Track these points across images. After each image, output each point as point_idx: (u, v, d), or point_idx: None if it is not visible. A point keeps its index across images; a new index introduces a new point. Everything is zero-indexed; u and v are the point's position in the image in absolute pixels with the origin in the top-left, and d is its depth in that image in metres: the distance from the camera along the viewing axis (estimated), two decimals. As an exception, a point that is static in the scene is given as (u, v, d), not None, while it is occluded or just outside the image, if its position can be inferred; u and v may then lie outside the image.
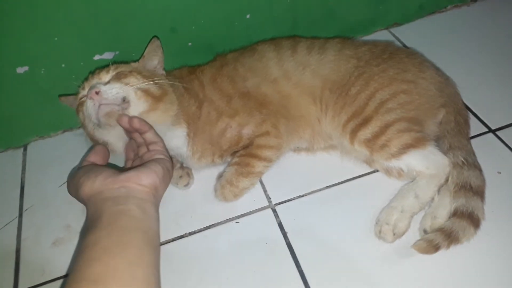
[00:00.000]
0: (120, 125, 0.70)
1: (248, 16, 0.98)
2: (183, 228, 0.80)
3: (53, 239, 0.82)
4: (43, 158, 0.99)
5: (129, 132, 0.72)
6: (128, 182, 0.60)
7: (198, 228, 0.80)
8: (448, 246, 0.67)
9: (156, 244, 0.57)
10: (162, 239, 0.78)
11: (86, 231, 0.56)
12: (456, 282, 0.66)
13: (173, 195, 0.86)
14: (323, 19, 1.05)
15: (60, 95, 0.86)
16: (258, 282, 0.70)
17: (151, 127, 0.71)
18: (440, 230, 0.68)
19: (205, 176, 0.87)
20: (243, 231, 0.78)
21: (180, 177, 0.86)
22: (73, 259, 0.60)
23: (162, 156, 0.68)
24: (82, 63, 0.91)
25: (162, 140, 0.71)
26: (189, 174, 0.87)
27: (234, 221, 0.80)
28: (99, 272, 0.49)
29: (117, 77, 0.73)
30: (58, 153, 0.99)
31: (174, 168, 0.86)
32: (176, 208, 0.84)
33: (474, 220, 0.68)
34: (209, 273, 0.73)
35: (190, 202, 0.85)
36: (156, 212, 0.61)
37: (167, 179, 0.66)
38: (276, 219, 0.79)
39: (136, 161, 0.73)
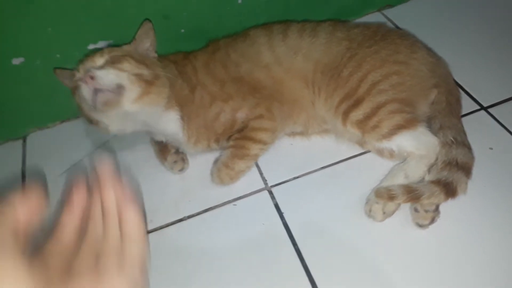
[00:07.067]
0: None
1: (239, 1, 0.98)
2: (182, 212, 0.82)
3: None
4: (43, 149, 1.00)
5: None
6: None
7: (197, 211, 0.82)
8: (405, 201, 0.68)
9: None
10: (162, 223, 0.81)
11: None
12: (451, 257, 0.68)
13: (171, 181, 0.87)
14: (315, 2, 1.05)
15: (56, 68, 0.85)
16: (256, 260, 0.73)
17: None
18: (404, 186, 0.70)
19: (203, 162, 0.88)
20: (241, 213, 0.80)
21: (175, 162, 0.87)
22: None
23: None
24: (76, 53, 0.91)
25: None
26: (183, 159, 0.88)
27: (231, 204, 0.82)
28: None
29: (111, 62, 0.74)
30: (57, 143, 1.00)
31: (169, 154, 0.88)
32: (174, 194, 0.85)
33: (449, 190, 0.69)
34: (207, 254, 0.75)
35: (188, 187, 0.86)
36: None
37: None
38: (272, 200, 0.81)
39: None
